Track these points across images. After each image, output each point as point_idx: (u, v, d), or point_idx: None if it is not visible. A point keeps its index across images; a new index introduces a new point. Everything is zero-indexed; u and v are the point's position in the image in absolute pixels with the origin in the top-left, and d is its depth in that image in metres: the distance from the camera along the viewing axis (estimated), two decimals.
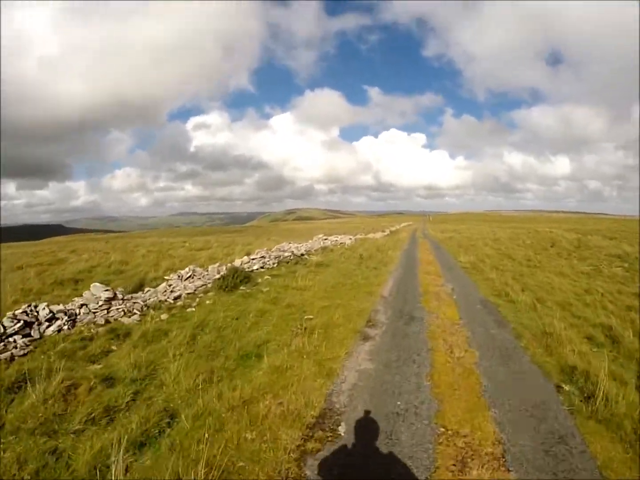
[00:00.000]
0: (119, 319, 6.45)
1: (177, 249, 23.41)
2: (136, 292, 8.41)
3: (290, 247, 16.48)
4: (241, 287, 9.17)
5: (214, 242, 30.63)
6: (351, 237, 27.64)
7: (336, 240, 22.99)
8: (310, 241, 21.33)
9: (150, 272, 11.85)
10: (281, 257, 14.61)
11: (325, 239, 22.02)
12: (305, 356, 5.00)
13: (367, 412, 3.79)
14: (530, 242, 27.91)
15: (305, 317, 6.70)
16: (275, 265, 13.49)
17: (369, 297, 9.19)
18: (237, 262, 12.22)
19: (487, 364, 4.96)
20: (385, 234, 45.08)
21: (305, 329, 5.81)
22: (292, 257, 15.04)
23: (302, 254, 16.10)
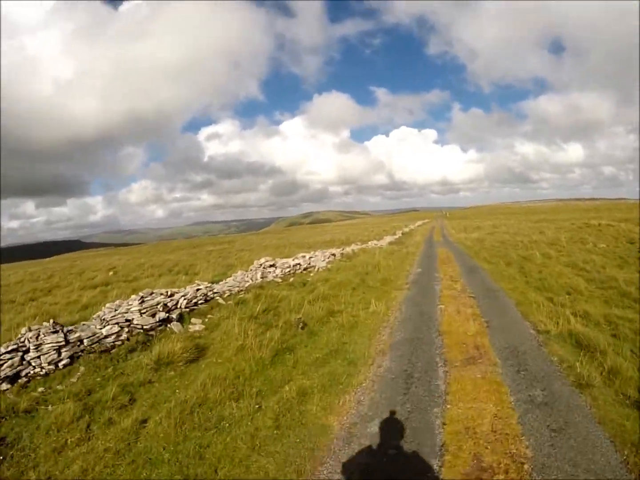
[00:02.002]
0: None
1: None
2: None
3: (159, 299, 7.69)
4: None
5: (147, 266, 22.48)
6: (335, 252, 18.84)
7: (295, 266, 14.16)
8: (236, 274, 12.67)
9: None
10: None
11: (271, 266, 13.20)
12: None
13: None
14: (606, 247, 18.43)
15: None
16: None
17: None
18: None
19: None
20: (394, 238, 35.99)
21: None
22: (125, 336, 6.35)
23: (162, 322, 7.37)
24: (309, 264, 15.13)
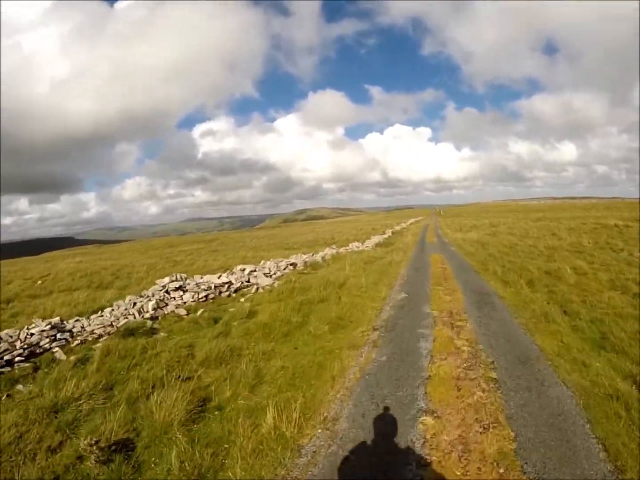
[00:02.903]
0: None
1: None
2: None
3: None
4: None
5: (88, 272, 18.34)
6: (299, 260, 14.42)
7: (221, 287, 9.64)
8: (121, 303, 8.20)
9: None
10: None
11: (178, 288, 8.72)
12: None
13: None
14: None
15: None
16: None
17: None
18: None
19: None
20: (383, 238, 31.67)
21: None
22: None
23: None
24: (248, 280, 10.67)
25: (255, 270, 11.50)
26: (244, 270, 11.26)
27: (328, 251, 17.91)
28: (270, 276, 11.33)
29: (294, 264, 13.67)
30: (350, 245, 22.49)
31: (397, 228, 50.13)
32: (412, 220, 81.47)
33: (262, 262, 13.51)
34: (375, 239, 30.01)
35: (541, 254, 15.10)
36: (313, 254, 16.69)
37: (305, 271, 12.88)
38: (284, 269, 12.79)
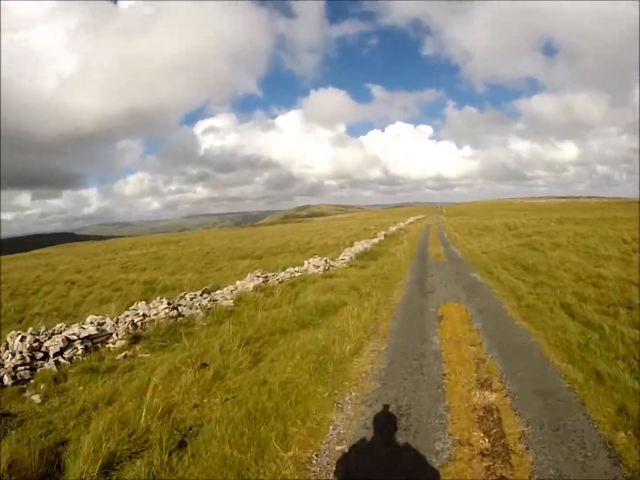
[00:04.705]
0: None
1: None
2: None
3: None
4: None
5: None
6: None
7: None
8: None
9: None
10: None
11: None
12: None
13: None
14: None
15: None
16: None
17: None
18: None
19: None
20: (371, 244, 23.35)
21: None
22: None
23: None
24: None
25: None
26: None
27: (247, 284, 9.55)
28: None
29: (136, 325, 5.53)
30: (308, 264, 14.00)
31: (393, 229, 41.62)
32: (412, 219, 72.91)
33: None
34: (360, 246, 21.63)
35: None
36: (210, 297, 8.33)
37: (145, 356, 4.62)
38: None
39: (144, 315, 6.32)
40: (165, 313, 6.49)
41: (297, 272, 12.26)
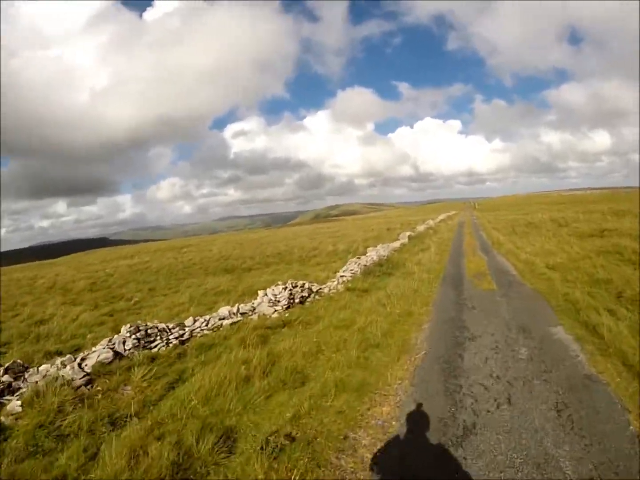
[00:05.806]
0: None
1: None
2: None
3: None
4: None
5: None
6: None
7: None
8: None
9: None
10: None
11: None
12: None
13: None
14: None
15: None
16: None
17: None
18: None
19: None
20: (389, 251, 17.99)
21: None
22: None
23: None
24: None
25: None
26: None
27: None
28: None
29: None
30: (262, 297, 8.96)
31: (421, 228, 35.54)
32: (443, 215, 65.82)
33: None
34: (374, 253, 16.32)
35: None
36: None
37: None
38: None
39: None
40: None
41: (236, 314, 7.21)
